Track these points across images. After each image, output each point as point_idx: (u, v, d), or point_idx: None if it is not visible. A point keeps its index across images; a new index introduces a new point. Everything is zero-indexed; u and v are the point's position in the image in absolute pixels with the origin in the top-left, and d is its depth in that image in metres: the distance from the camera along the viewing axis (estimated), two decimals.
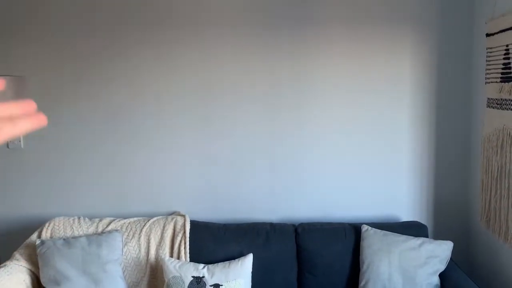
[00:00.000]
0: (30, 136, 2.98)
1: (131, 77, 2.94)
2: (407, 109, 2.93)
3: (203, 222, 2.84)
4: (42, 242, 2.56)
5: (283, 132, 2.95)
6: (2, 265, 2.51)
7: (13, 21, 2.91)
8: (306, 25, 2.87)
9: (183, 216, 2.85)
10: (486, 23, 2.67)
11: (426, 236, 2.73)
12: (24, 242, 2.68)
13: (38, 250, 2.53)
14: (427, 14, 2.86)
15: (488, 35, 2.64)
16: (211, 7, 2.87)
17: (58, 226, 2.74)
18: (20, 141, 3.00)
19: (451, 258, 2.60)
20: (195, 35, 2.89)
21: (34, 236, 2.70)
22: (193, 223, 2.79)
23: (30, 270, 2.57)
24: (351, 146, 2.96)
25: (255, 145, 2.97)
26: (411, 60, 2.90)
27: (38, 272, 2.53)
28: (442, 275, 2.55)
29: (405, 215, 3.00)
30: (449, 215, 3.00)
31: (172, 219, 2.81)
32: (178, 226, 2.75)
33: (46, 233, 2.70)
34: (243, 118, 2.95)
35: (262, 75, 2.92)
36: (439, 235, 2.98)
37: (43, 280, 2.49)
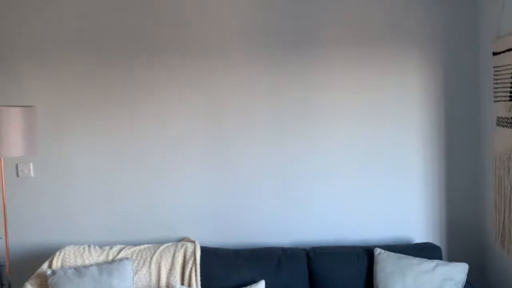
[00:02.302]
0: (39, 165, 3.00)
1: (138, 102, 2.96)
2: (416, 129, 2.92)
3: (213, 248, 2.82)
4: (53, 272, 2.55)
5: (293, 155, 2.95)
6: None
7: (26, 53, 2.95)
8: (313, 47, 2.89)
9: (193, 242, 2.83)
10: (492, 42, 2.67)
11: (440, 258, 2.68)
12: (35, 272, 2.67)
13: (49, 280, 2.52)
14: (432, 34, 2.87)
15: (494, 53, 2.63)
16: (220, 31, 2.91)
17: (68, 255, 2.73)
18: (30, 169, 3.01)
19: (466, 280, 2.55)
20: (203, 59, 2.92)
21: (45, 266, 2.69)
22: (204, 249, 2.77)
23: None
24: (361, 167, 2.94)
25: (265, 168, 2.96)
26: (418, 80, 2.90)
27: None
28: None
29: (418, 237, 2.95)
30: (463, 236, 2.95)
31: (182, 245, 2.79)
32: (189, 253, 2.73)
33: (57, 263, 2.69)
34: (252, 141, 2.95)
35: (270, 98, 2.93)
36: (453, 257, 2.93)
37: None
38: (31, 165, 3.00)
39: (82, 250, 2.76)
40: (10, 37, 2.96)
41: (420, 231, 2.96)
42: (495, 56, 2.63)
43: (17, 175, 3.02)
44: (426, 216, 2.96)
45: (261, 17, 2.89)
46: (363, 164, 2.94)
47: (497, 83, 2.61)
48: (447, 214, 2.96)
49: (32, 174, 3.02)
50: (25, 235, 3.02)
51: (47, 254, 2.89)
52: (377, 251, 2.65)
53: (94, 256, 2.73)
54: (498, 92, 2.61)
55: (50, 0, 2.93)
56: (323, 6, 2.87)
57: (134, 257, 2.73)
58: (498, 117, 2.61)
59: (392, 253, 2.62)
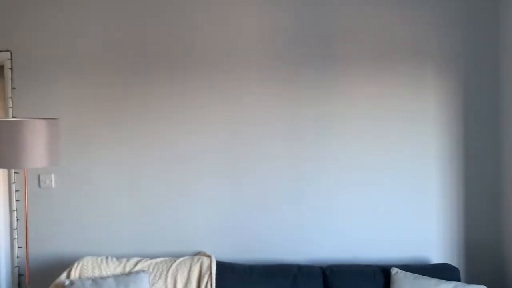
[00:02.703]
0: (61, 176, 3.06)
1: (157, 119, 3.01)
2: (435, 148, 2.91)
3: (229, 263, 2.83)
4: (71, 283, 2.59)
5: (309, 170, 2.96)
6: None
7: (49, 67, 3.04)
8: (329, 65, 2.92)
9: (209, 256, 2.84)
10: None
11: (458, 280, 2.65)
12: (54, 282, 2.71)
13: None
14: (452, 53, 2.87)
15: None
16: (238, 47, 2.96)
17: (86, 266, 2.77)
18: (51, 180, 3.08)
19: None
20: (220, 74, 2.97)
21: (63, 276, 2.73)
22: (219, 264, 2.78)
23: None
24: (378, 185, 2.93)
25: (280, 184, 2.97)
26: (437, 97, 2.90)
27: None
28: None
29: (436, 257, 2.92)
30: (481, 257, 2.91)
31: (198, 259, 2.81)
32: (204, 267, 2.75)
33: (75, 273, 2.73)
34: (268, 157, 2.97)
35: (286, 113, 2.96)
36: (471, 279, 2.88)
37: None
38: (52, 176, 3.07)
39: (100, 262, 2.80)
40: (36, 51, 3.05)
41: (437, 251, 2.93)
42: None
43: (39, 185, 3.09)
44: (444, 236, 2.93)
45: (280, 33, 2.94)
46: (381, 182, 2.93)
47: None
48: (466, 234, 2.92)
49: (53, 185, 3.08)
50: (44, 245, 3.08)
51: (66, 264, 2.93)
52: (394, 270, 2.63)
53: (112, 268, 2.77)
54: None
55: (73, 18, 3.03)
56: (342, 24, 2.91)
57: (150, 269, 2.76)
58: None
59: (409, 273, 2.60)
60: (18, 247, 3.09)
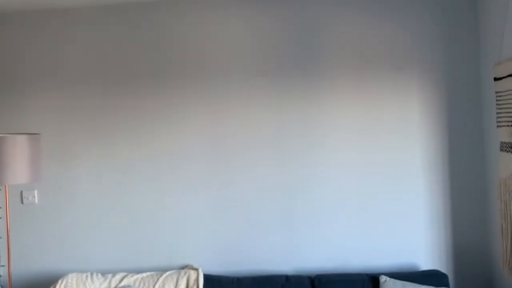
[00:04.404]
0: (44, 192, 3.02)
1: (140, 133, 2.99)
2: (421, 156, 2.91)
3: (216, 275, 2.79)
4: None
5: (296, 182, 2.94)
6: None
7: (31, 80, 3.01)
8: (314, 72, 2.92)
9: (196, 270, 2.81)
10: (493, 67, 2.68)
11: (448, 286, 2.63)
12: None
13: None
14: (433, 60, 2.89)
15: (496, 79, 2.64)
16: (221, 58, 2.96)
17: (71, 283, 2.71)
18: (34, 196, 3.03)
19: None
20: (203, 84, 2.97)
21: None
22: (206, 277, 2.74)
23: None
24: (365, 193, 2.93)
25: (267, 195, 2.95)
26: (420, 106, 2.91)
27: None
28: None
29: (424, 264, 2.91)
30: (470, 262, 2.90)
31: (185, 273, 2.77)
32: (191, 281, 2.71)
33: None
34: (254, 168, 2.95)
35: (272, 123, 2.95)
36: (460, 285, 2.87)
37: None
38: (35, 192, 3.02)
39: (84, 278, 2.74)
40: (16, 65, 3.02)
41: (426, 258, 2.92)
42: (496, 82, 2.64)
43: (22, 202, 3.04)
44: (433, 243, 2.92)
45: (264, 44, 2.94)
46: (368, 191, 2.92)
47: (499, 109, 2.61)
48: (454, 240, 2.92)
49: (36, 201, 3.03)
50: (28, 262, 3.02)
51: (50, 281, 2.88)
52: (383, 278, 2.61)
53: (97, 284, 2.71)
54: (500, 117, 2.60)
55: (56, 31, 3.01)
56: (327, 36, 2.92)
57: (136, 284, 2.71)
58: (501, 142, 2.60)
59: (398, 281, 2.58)
60: (0, 265, 3.02)
